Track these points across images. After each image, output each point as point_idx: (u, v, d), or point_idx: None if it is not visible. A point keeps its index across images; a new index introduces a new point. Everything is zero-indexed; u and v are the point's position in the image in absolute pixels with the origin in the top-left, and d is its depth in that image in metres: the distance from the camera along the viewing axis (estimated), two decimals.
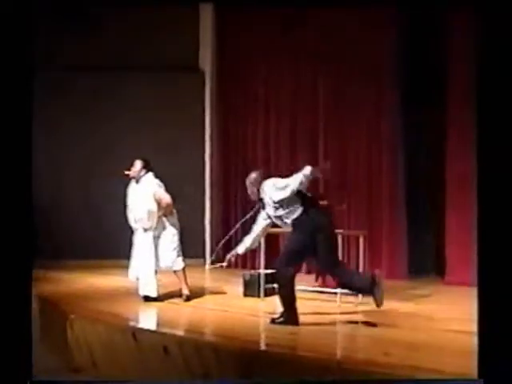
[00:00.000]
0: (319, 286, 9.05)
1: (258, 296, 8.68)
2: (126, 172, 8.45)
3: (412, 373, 4.96)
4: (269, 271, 8.38)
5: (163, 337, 6.50)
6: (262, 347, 6.29)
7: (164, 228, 8.46)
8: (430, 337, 6.41)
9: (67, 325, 7.33)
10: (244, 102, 13.08)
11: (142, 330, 6.91)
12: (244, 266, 11.63)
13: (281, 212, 6.86)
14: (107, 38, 12.94)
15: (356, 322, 7.24)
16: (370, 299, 8.24)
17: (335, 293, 8.14)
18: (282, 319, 6.83)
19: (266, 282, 8.62)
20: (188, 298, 8.46)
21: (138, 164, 8.43)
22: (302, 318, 6.81)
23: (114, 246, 11.54)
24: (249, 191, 7.16)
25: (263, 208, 7.06)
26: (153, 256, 8.36)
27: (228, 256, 7.38)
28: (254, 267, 11.04)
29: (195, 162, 13.36)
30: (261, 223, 7.17)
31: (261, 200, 7.03)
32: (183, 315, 7.97)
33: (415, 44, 10.73)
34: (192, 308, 8.21)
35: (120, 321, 7.34)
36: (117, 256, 10.70)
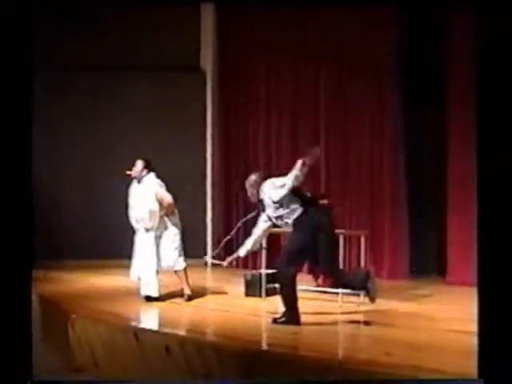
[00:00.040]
0: (320, 286, 9.04)
1: (260, 296, 8.68)
2: (128, 172, 8.45)
3: (413, 373, 4.96)
4: (270, 271, 8.38)
5: (165, 337, 6.50)
6: (264, 347, 6.29)
7: (166, 228, 8.46)
8: (432, 337, 6.41)
9: (69, 325, 7.33)
10: (245, 102, 13.07)
11: (143, 329, 6.92)
12: (245, 266, 11.63)
13: (281, 212, 6.87)
14: (107, 38, 12.92)
15: (358, 322, 7.24)
16: None
17: (337, 293, 8.14)
18: (283, 319, 6.83)
19: (268, 281, 8.63)
20: (189, 298, 8.46)
21: (140, 164, 8.43)
22: (303, 318, 6.81)
23: (114, 246, 11.54)
24: (249, 193, 7.17)
25: (263, 210, 7.07)
26: (154, 256, 8.36)
27: (229, 259, 7.40)
28: (255, 267, 11.03)
29: (196, 161, 13.35)
30: (261, 226, 7.18)
31: (261, 201, 7.04)
32: (185, 315, 7.98)
33: (415, 44, 10.72)
34: (193, 308, 8.21)
35: (122, 321, 7.35)
36: (118, 256, 10.69)
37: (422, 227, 11.17)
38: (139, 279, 8.46)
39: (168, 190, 8.42)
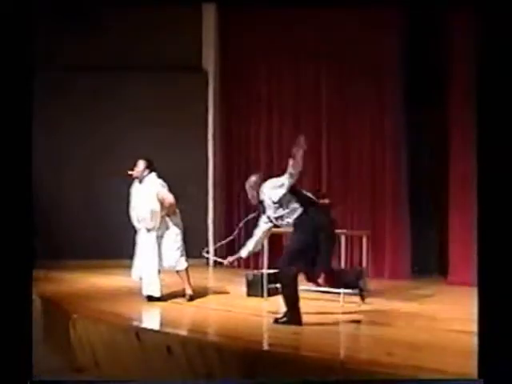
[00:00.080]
0: (322, 286, 9.03)
1: (262, 296, 8.68)
2: (129, 172, 8.45)
3: (415, 373, 4.96)
4: (272, 271, 8.38)
5: (166, 337, 6.50)
6: (266, 347, 6.29)
7: (167, 228, 8.46)
8: (433, 337, 6.41)
9: (70, 325, 7.33)
10: (247, 102, 13.08)
11: (145, 329, 6.92)
12: (247, 266, 11.62)
13: (281, 212, 6.88)
14: (107, 38, 12.93)
15: (359, 322, 7.24)
16: (373, 299, 8.30)
17: (338, 293, 8.14)
18: (285, 319, 6.82)
19: (269, 281, 8.62)
20: (191, 298, 8.46)
21: (141, 164, 8.43)
22: (305, 318, 6.80)
23: (115, 246, 11.57)
24: (249, 195, 7.17)
25: (264, 212, 7.07)
26: (156, 256, 8.36)
27: (231, 259, 7.40)
28: (257, 267, 11.03)
29: (198, 161, 13.36)
30: (262, 227, 7.18)
31: (261, 203, 7.04)
32: (186, 315, 7.98)
33: (416, 44, 10.74)
34: (195, 308, 8.21)
35: (123, 320, 7.35)
36: (118, 256, 10.71)
37: (424, 227, 11.17)
38: (141, 279, 8.46)
39: (170, 190, 8.42)
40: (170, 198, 8.35)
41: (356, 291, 7.54)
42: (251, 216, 7.53)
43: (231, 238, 8.11)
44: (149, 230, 8.38)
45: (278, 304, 7.31)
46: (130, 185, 8.58)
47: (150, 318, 7.91)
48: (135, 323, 7.35)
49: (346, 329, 7.06)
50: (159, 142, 12.50)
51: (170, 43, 13.07)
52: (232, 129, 13.36)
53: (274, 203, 6.87)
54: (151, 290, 8.34)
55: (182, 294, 8.55)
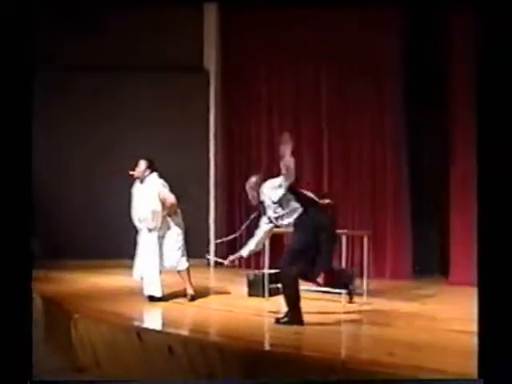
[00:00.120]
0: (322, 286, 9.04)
1: (263, 296, 8.68)
2: (131, 172, 8.45)
3: (416, 373, 4.96)
4: (273, 271, 8.39)
5: (168, 337, 6.50)
6: (267, 347, 6.29)
7: (169, 228, 8.46)
8: (434, 337, 6.41)
9: (71, 325, 7.33)
10: (248, 102, 13.09)
11: (146, 329, 6.92)
12: (248, 266, 11.63)
13: (281, 212, 6.89)
14: (107, 38, 12.94)
15: (360, 322, 7.25)
16: (374, 299, 8.31)
17: (339, 293, 8.14)
18: (286, 319, 6.82)
19: (271, 281, 8.62)
20: (192, 298, 8.46)
21: (143, 164, 8.43)
22: (306, 318, 6.80)
23: (116, 246, 11.57)
24: (249, 196, 7.18)
25: (264, 213, 7.08)
26: (157, 256, 8.36)
27: (231, 258, 7.39)
28: (258, 267, 11.03)
29: (199, 161, 13.37)
30: (263, 227, 7.19)
31: (261, 203, 7.05)
32: (188, 315, 7.98)
33: (417, 44, 10.75)
34: (196, 308, 8.22)
35: (124, 321, 7.35)
36: (119, 256, 10.72)
37: (425, 227, 11.19)
38: (142, 279, 8.46)
39: (171, 190, 8.42)
40: (171, 198, 8.35)
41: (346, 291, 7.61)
42: (252, 216, 7.53)
43: (232, 237, 8.11)
44: (150, 230, 8.38)
45: (280, 304, 7.31)
46: (131, 185, 8.57)
47: (152, 318, 7.92)
48: (136, 323, 7.36)
49: (347, 329, 7.06)
50: (160, 141, 12.51)
51: (171, 43, 13.08)
52: (233, 128, 13.37)
53: (274, 203, 6.88)
54: (152, 289, 8.35)
55: (183, 294, 8.55)
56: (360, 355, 5.89)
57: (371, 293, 8.53)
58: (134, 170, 8.45)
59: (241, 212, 12.56)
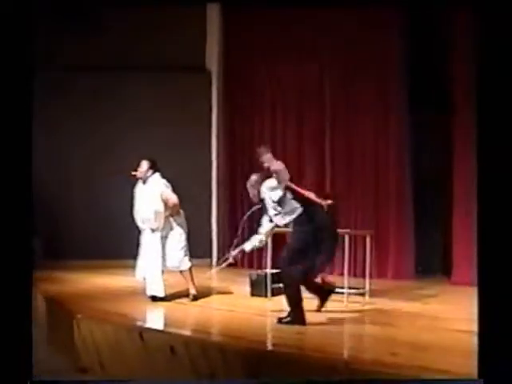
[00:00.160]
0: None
1: (265, 296, 8.67)
2: (133, 173, 8.44)
3: (419, 373, 4.95)
4: (275, 271, 8.37)
5: (170, 337, 6.49)
6: (269, 347, 6.29)
7: (171, 228, 8.45)
8: (436, 337, 6.40)
9: (74, 325, 7.33)
10: (250, 102, 13.09)
11: (148, 329, 6.91)
12: (251, 266, 11.62)
13: (281, 211, 6.92)
14: (107, 38, 12.93)
15: (363, 322, 7.25)
16: (377, 299, 8.31)
17: (342, 292, 8.14)
18: (288, 319, 6.82)
19: (273, 281, 8.60)
20: (195, 298, 8.46)
21: (145, 164, 8.41)
22: (308, 318, 6.80)
23: (116, 246, 11.58)
24: (250, 194, 7.20)
25: (266, 211, 7.09)
26: (160, 256, 8.36)
27: (234, 252, 7.38)
28: (260, 267, 11.03)
29: (202, 161, 13.37)
30: (266, 226, 7.22)
31: (262, 201, 7.06)
32: (190, 315, 7.97)
33: (417, 44, 10.76)
34: (199, 308, 8.21)
35: (127, 321, 7.35)
36: (122, 256, 10.71)
37: (428, 227, 11.18)
38: (144, 279, 8.46)
39: (173, 190, 8.42)
40: (173, 199, 8.35)
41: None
42: (254, 208, 7.49)
43: (237, 237, 8.10)
44: (153, 231, 8.38)
45: (282, 304, 7.30)
46: (131, 185, 8.57)
47: (154, 318, 7.92)
48: (139, 323, 7.35)
49: (349, 329, 7.07)
50: (163, 142, 12.51)
51: (172, 43, 13.07)
52: (235, 128, 13.37)
53: (274, 202, 6.91)
54: (155, 290, 8.34)
55: (185, 294, 8.55)
56: (362, 355, 5.88)
57: (373, 293, 8.53)
58: (136, 170, 8.44)
59: (243, 212, 12.45)
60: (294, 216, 6.84)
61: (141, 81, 13.09)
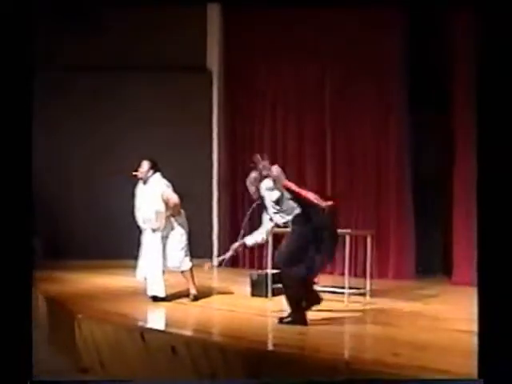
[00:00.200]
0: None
1: (266, 296, 8.68)
2: (134, 173, 8.44)
3: (420, 373, 4.96)
4: (276, 271, 8.37)
5: (171, 337, 6.50)
6: (270, 347, 6.29)
7: (172, 228, 8.45)
8: (437, 337, 6.40)
9: (75, 325, 7.33)
10: (251, 102, 13.09)
11: (149, 329, 6.92)
12: (251, 266, 11.63)
13: (280, 211, 6.92)
14: (107, 38, 12.94)
15: (364, 322, 7.25)
16: (377, 299, 8.30)
17: (343, 292, 8.14)
18: (289, 319, 6.81)
19: (274, 281, 8.60)
20: (195, 298, 8.46)
21: (146, 165, 8.41)
22: (310, 318, 6.80)
23: (116, 246, 11.58)
24: (250, 191, 7.21)
25: (266, 211, 7.09)
26: (161, 256, 8.36)
27: (235, 245, 7.36)
28: (261, 267, 11.04)
29: (202, 161, 13.38)
30: (266, 225, 7.22)
31: (261, 198, 7.07)
32: (191, 315, 7.97)
33: (418, 44, 10.76)
34: (199, 308, 8.21)
35: (128, 321, 7.35)
36: (122, 256, 10.72)
37: (428, 227, 11.18)
38: (145, 279, 8.46)
39: (174, 190, 8.42)
40: (174, 199, 8.34)
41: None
42: (255, 205, 7.48)
43: (241, 236, 8.09)
44: (154, 231, 8.38)
45: (283, 304, 7.30)
46: (133, 185, 8.57)
47: (155, 319, 7.92)
48: (140, 323, 7.35)
49: (350, 329, 7.07)
50: (163, 142, 12.53)
51: (174, 43, 13.09)
52: (236, 128, 13.38)
53: (272, 201, 6.92)
54: (156, 290, 8.34)
55: (186, 294, 8.55)
56: (363, 355, 5.88)
57: (374, 293, 8.54)
58: (136, 170, 8.43)
59: (244, 211, 12.47)
60: (292, 216, 6.84)
61: (141, 81, 13.10)
